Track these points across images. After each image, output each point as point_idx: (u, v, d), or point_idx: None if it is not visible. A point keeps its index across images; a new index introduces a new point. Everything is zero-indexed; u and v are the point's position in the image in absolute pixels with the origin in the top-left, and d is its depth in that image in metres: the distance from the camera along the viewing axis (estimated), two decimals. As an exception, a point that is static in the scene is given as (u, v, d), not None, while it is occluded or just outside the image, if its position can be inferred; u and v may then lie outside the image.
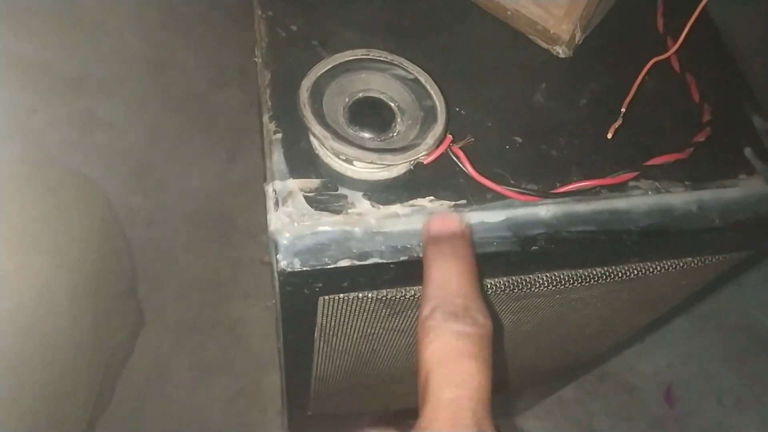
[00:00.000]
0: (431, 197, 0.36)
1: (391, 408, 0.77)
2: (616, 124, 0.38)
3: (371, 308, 0.39)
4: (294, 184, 0.35)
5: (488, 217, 0.36)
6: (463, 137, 0.36)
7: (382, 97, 0.36)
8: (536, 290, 0.41)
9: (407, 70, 0.35)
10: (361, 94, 0.36)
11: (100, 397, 0.92)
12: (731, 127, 0.43)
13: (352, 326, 0.42)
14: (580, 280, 0.41)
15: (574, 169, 0.38)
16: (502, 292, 0.40)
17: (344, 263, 0.33)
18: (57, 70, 1.37)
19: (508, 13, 0.44)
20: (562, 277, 0.40)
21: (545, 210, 0.37)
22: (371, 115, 0.35)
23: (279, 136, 0.36)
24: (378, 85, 0.36)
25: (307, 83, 0.34)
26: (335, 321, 0.41)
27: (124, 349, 1.04)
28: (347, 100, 0.35)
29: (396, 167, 0.35)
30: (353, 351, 0.49)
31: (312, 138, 0.34)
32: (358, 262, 0.34)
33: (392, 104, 0.36)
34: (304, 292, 0.35)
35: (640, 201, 0.38)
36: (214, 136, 1.37)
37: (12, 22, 1.40)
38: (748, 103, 0.44)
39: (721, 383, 1.25)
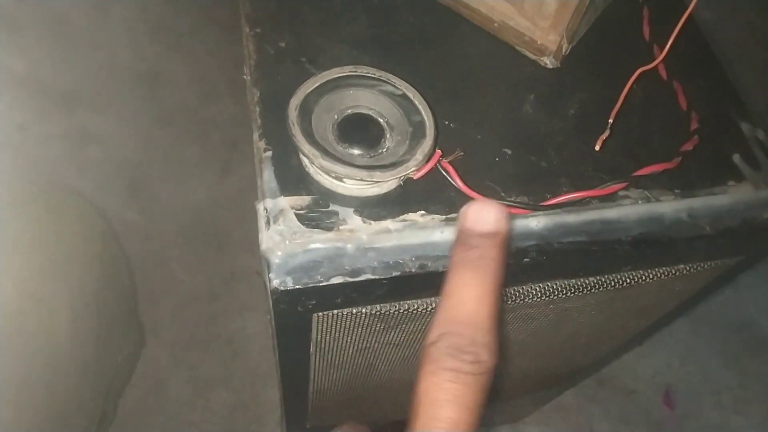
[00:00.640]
0: (422, 211, 0.36)
1: (390, 418, 0.77)
2: (604, 136, 0.38)
3: (366, 323, 0.39)
4: (285, 201, 0.35)
5: (480, 230, 0.36)
6: (453, 151, 0.37)
7: (370, 113, 0.36)
8: (530, 301, 0.41)
9: (395, 86, 0.36)
10: (349, 111, 0.36)
11: (104, 417, 0.92)
12: (719, 134, 0.43)
13: (347, 341, 0.42)
14: (573, 290, 0.41)
15: (564, 180, 0.38)
16: (495, 304, 0.40)
17: (337, 280, 0.33)
18: (49, 86, 1.37)
19: (495, 25, 0.44)
20: (555, 287, 0.40)
21: (536, 222, 0.37)
22: (360, 131, 0.35)
23: (269, 153, 0.36)
24: (366, 101, 0.36)
25: (295, 101, 0.34)
26: (330, 336, 0.41)
27: (126, 368, 1.04)
28: (336, 116, 0.36)
29: (386, 183, 0.35)
30: (350, 365, 0.49)
31: (302, 156, 0.35)
32: (350, 279, 0.34)
33: (381, 120, 0.36)
34: (297, 309, 0.35)
35: (630, 210, 0.38)
36: (208, 149, 1.37)
37: (3, 38, 1.40)
38: (736, 110, 0.45)
39: (720, 384, 1.25)
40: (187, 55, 1.47)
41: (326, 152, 0.33)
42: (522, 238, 0.36)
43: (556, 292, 0.41)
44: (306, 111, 0.34)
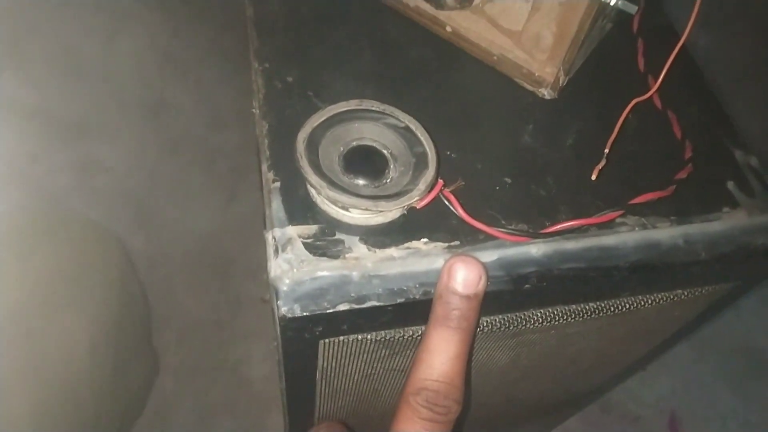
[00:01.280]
0: (425, 239, 0.37)
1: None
2: (600, 165, 0.39)
3: (371, 349, 0.40)
4: (293, 230, 0.36)
5: (481, 257, 0.37)
6: (455, 181, 0.38)
7: (375, 144, 0.37)
8: (531, 326, 0.42)
9: (398, 119, 0.37)
10: (355, 143, 0.37)
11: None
12: (713, 162, 0.44)
13: (353, 367, 0.43)
14: (573, 315, 0.42)
15: (563, 208, 0.39)
16: (498, 330, 0.41)
17: (343, 307, 0.34)
18: (58, 117, 1.39)
19: (495, 57, 0.46)
20: (555, 313, 0.41)
21: (536, 249, 0.38)
22: (365, 162, 0.37)
23: (277, 184, 0.38)
24: (371, 133, 0.37)
25: (303, 135, 0.35)
26: (336, 363, 0.42)
27: (140, 396, 1.04)
28: (342, 148, 0.37)
29: (390, 212, 0.36)
30: (355, 391, 0.49)
31: (309, 186, 0.36)
32: (356, 306, 0.34)
33: (385, 151, 0.37)
34: (304, 336, 0.36)
35: (627, 237, 0.39)
36: (214, 177, 1.38)
37: (13, 70, 1.44)
38: (730, 138, 0.46)
39: (725, 408, 1.25)
40: (193, 85, 1.50)
41: (333, 183, 0.34)
42: (522, 265, 0.37)
43: (557, 318, 0.42)
44: (313, 143, 0.35)
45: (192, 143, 1.42)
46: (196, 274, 1.27)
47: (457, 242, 0.37)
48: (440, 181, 0.36)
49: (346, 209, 0.35)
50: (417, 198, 0.35)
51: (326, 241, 0.36)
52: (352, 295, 0.35)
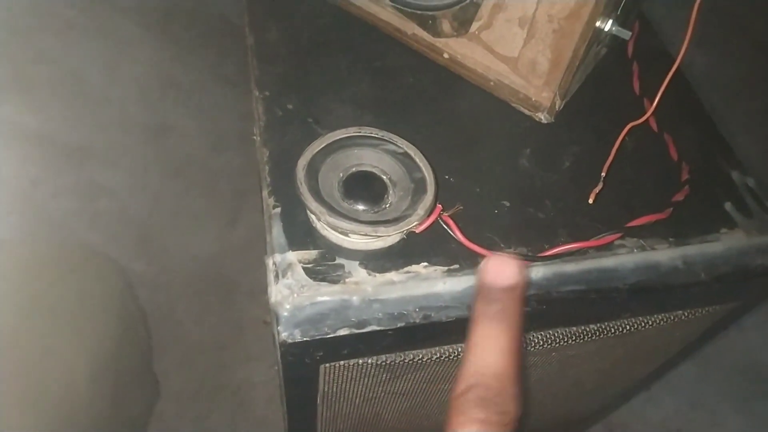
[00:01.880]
0: (425, 263, 0.37)
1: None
2: (597, 189, 0.40)
3: (372, 373, 0.40)
4: (293, 256, 0.36)
5: (481, 281, 0.37)
6: (453, 205, 0.38)
7: (374, 170, 0.38)
8: (532, 349, 0.42)
9: (397, 145, 0.37)
10: (354, 169, 0.38)
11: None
12: (711, 183, 0.45)
13: (354, 391, 0.43)
14: (574, 338, 0.42)
15: (561, 231, 0.40)
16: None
17: (343, 332, 0.35)
18: (60, 141, 1.40)
19: (492, 83, 0.46)
20: (556, 335, 0.41)
21: (535, 271, 0.38)
22: (364, 188, 0.37)
23: (278, 210, 0.38)
24: (370, 159, 0.38)
25: (303, 162, 0.36)
26: (337, 387, 0.42)
27: (141, 422, 1.04)
28: (341, 174, 0.37)
29: (390, 237, 0.36)
30: (356, 415, 0.49)
31: (309, 212, 0.36)
32: (356, 330, 0.35)
33: (384, 177, 0.38)
34: (305, 361, 0.36)
35: (626, 259, 0.39)
36: (216, 200, 1.39)
37: (16, 96, 1.45)
38: (726, 159, 0.46)
39: (729, 428, 1.24)
40: (195, 109, 1.52)
41: (332, 209, 0.34)
42: (522, 287, 0.37)
43: (558, 340, 0.42)
44: (313, 170, 0.36)
45: (194, 166, 1.43)
46: (198, 296, 1.27)
47: (456, 266, 0.37)
48: (439, 206, 0.37)
49: (346, 234, 0.35)
50: (416, 223, 0.35)
51: (326, 266, 0.36)
52: (353, 319, 0.35)
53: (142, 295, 1.16)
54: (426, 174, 0.37)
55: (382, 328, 0.35)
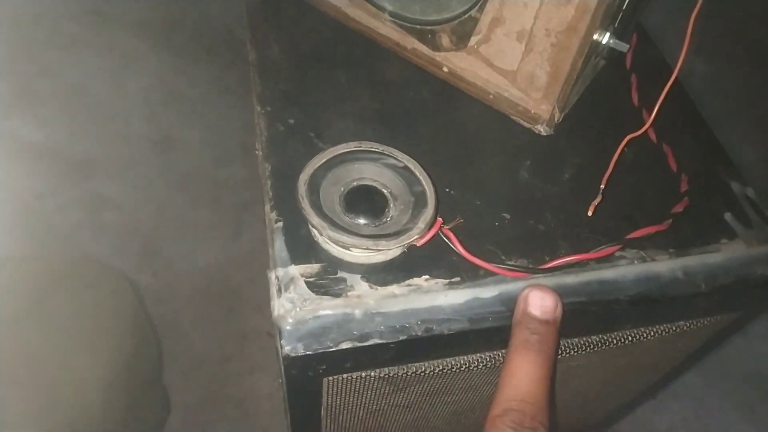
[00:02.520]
0: (426, 276, 0.38)
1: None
2: (596, 201, 0.40)
3: (375, 386, 0.40)
4: (295, 270, 0.37)
5: (482, 293, 0.37)
6: (454, 218, 0.39)
7: (375, 184, 0.38)
8: (534, 360, 0.42)
9: (397, 159, 0.38)
10: (355, 183, 0.38)
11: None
12: (710, 194, 0.45)
13: (357, 404, 0.43)
14: (576, 349, 0.42)
15: (561, 243, 0.40)
16: (501, 365, 0.41)
17: (346, 345, 0.35)
18: (65, 154, 1.42)
19: (491, 96, 0.47)
20: (558, 346, 0.41)
21: (536, 283, 0.38)
22: (365, 202, 0.37)
23: (280, 224, 0.39)
24: (371, 173, 0.38)
25: (304, 177, 0.36)
26: (341, 400, 0.42)
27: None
28: (343, 189, 0.38)
29: (391, 251, 0.37)
30: (361, 427, 0.50)
31: (311, 227, 0.37)
32: (359, 344, 0.35)
33: (385, 191, 0.38)
34: (308, 374, 0.36)
35: (627, 270, 0.40)
36: (220, 212, 1.40)
37: (22, 109, 1.47)
38: (725, 170, 0.47)
39: (737, 435, 1.23)
40: (199, 122, 1.53)
41: (334, 223, 0.35)
42: (523, 299, 0.38)
43: (560, 352, 0.42)
44: (314, 185, 0.36)
45: (198, 179, 1.44)
46: (203, 308, 1.27)
47: (457, 278, 0.38)
48: (439, 219, 0.37)
49: (348, 248, 0.36)
50: (417, 236, 0.35)
51: (328, 279, 0.37)
52: (355, 333, 0.35)
53: (147, 307, 1.16)
54: (426, 187, 0.37)
55: (384, 341, 0.35)
